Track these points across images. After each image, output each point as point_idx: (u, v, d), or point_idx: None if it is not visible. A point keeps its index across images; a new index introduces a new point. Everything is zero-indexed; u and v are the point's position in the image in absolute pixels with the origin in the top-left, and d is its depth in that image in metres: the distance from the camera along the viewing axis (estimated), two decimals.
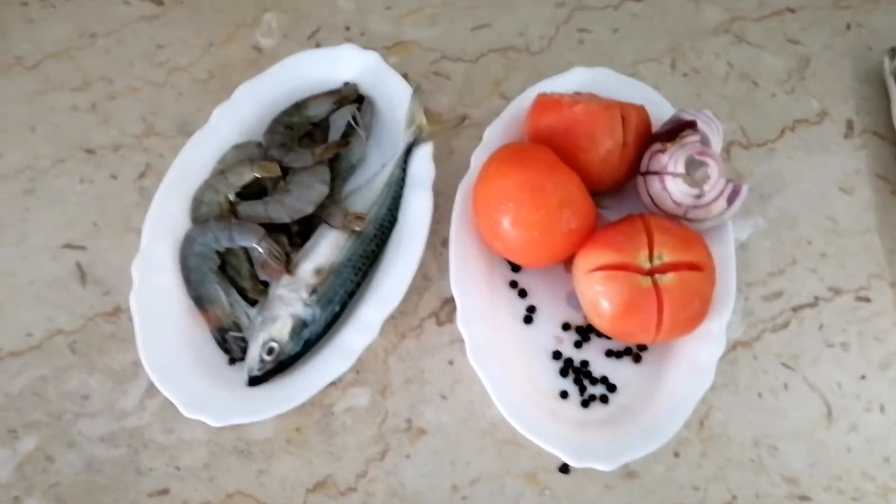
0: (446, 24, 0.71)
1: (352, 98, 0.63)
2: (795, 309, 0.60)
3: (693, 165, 0.55)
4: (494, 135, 0.61)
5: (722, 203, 0.54)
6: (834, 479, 0.55)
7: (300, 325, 0.54)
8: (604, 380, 0.56)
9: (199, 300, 0.55)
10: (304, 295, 0.55)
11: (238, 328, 0.55)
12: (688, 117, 0.56)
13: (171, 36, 0.69)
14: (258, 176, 0.58)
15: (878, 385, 0.57)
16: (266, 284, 0.57)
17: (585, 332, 0.57)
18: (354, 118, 0.62)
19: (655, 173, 0.56)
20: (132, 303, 0.53)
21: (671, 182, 0.55)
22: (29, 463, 0.54)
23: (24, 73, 0.66)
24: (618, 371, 0.56)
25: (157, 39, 0.69)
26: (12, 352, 0.56)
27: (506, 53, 0.70)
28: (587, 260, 0.53)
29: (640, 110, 0.58)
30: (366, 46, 0.67)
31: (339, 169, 0.61)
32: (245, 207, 0.57)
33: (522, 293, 0.59)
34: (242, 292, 0.56)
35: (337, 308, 0.55)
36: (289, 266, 0.56)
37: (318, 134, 0.62)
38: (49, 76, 0.66)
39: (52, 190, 0.62)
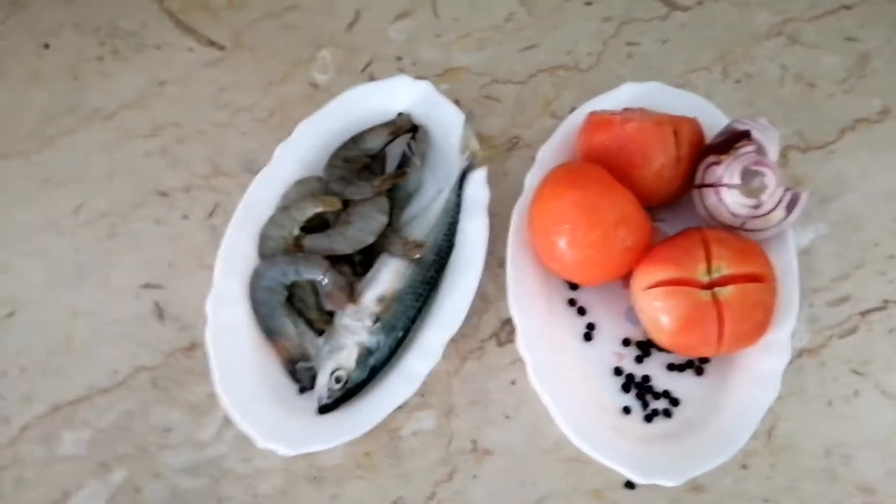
0: (495, 48, 0.72)
1: (406, 128, 0.65)
2: (864, 313, 0.59)
3: (749, 176, 0.55)
4: (547, 155, 0.62)
5: (781, 212, 0.54)
6: None
7: (366, 353, 0.56)
8: (666, 394, 0.56)
9: (269, 332, 0.58)
10: (369, 323, 0.57)
11: (307, 358, 0.57)
12: (742, 127, 0.56)
13: (233, 78, 0.73)
14: (320, 210, 0.60)
15: None
16: (331, 314, 0.59)
17: (646, 347, 0.58)
18: (410, 147, 0.64)
19: (711, 185, 0.56)
20: (207, 337, 0.56)
21: (727, 194, 0.54)
22: (119, 494, 0.57)
23: (101, 123, 0.71)
24: (680, 384, 0.57)
25: (219, 82, 0.72)
26: (101, 389, 0.60)
27: (555, 72, 0.71)
28: (645, 277, 0.54)
29: (693, 123, 0.58)
30: (417, 75, 0.69)
31: (396, 198, 0.63)
32: (309, 241, 0.60)
33: (581, 311, 0.59)
34: (309, 323, 0.58)
35: (400, 334, 0.57)
36: (353, 296, 0.58)
37: (375, 165, 0.65)
38: (123, 125, 0.71)
39: (131, 233, 0.66)
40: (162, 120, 0.70)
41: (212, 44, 0.74)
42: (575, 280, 0.59)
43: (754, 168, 0.54)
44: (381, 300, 0.58)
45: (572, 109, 0.65)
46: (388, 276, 0.59)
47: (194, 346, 0.61)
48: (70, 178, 0.68)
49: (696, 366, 0.57)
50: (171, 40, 0.75)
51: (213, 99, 0.72)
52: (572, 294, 0.60)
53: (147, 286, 0.63)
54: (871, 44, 0.69)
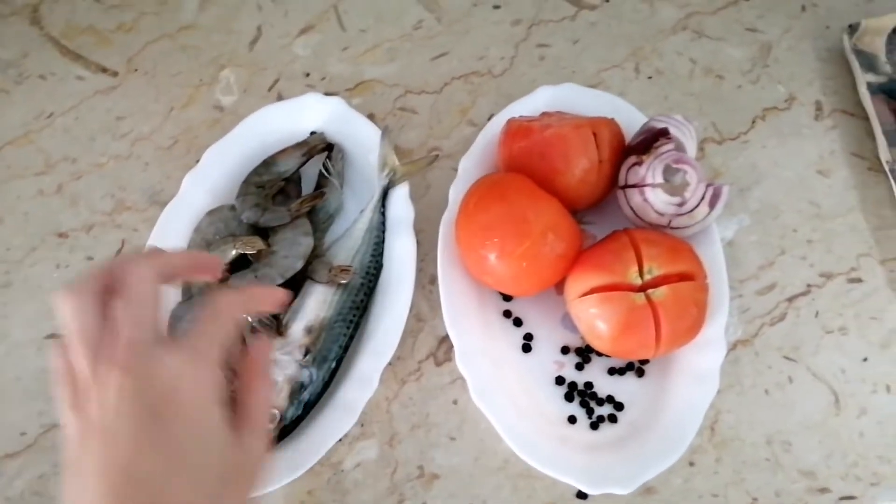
0: (405, 58, 0.70)
1: (320, 147, 0.62)
2: (790, 299, 0.60)
3: (671, 173, 0.55)
4: (469, 165, 0.61)
5: (704, 208, 0.54)
6: (850, 466, 0.54)
7: (298, 388, 0.53)
8: (610, 399, 0.56)
9: None
10: (299, 356, 0.54)
11: (236, 401, 0.54)
12: (659, 125, 0.56)
13: (130, 106, 0.68)
14: (241, 252, 0.57)
15: (882, 365, 0.57)
16: None
17: (585, 353, 0.57)
18: (326, 167, 0.62)
19: (634, 186, 0.55)
20: None
21: (651, 193, 0.54)
22: None
23: None
24: (623, 388, 0.56)
25: (115, 111, 0.68)
26: (8, 453, 0.55)
27: (469, 79, 0.69)
28: (578, 284, 0.53)
29: (611, 124, 0.58)
30: (328, 91, 0.67)
31: (317, 221, 0.60)
32: (236, 280, 0.57)
33: (517, 322, 0.58)
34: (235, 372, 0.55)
35: (333, 364, 0.55)
36: (279, 329, 0.55)
37: (291, 188, 0.62)
38: (10, 163, 0.65)
39: (27, 280, 0.61)
40: (54, 155, 0.66)
41: (103, 70, 0.70)
42: (508, 292, 0.58)
43: (676, 166, 0.54)
44: (309, 331, 0.55)
45: (490, 116, 0.64)
46: (315, 305, 0.56)
47: None
48: None
49: (637, 367, 0.56)
50: (57, 69, 0.70)
51: (109, 129, 0.67)
52: (507, 305, 0.59)
53: (53, 336, 0.58)
54: (772, 33, 0.70)
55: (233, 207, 0.59)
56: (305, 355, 0.54)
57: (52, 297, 0.35)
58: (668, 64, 0.69)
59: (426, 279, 0.60)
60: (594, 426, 0.55)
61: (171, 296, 0.56)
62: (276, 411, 0.52)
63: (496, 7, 0.73)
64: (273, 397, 0.39)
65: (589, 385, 0.56)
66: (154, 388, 0.33)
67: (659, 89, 0.68)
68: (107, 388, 0.32)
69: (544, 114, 0.61)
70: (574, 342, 0.58)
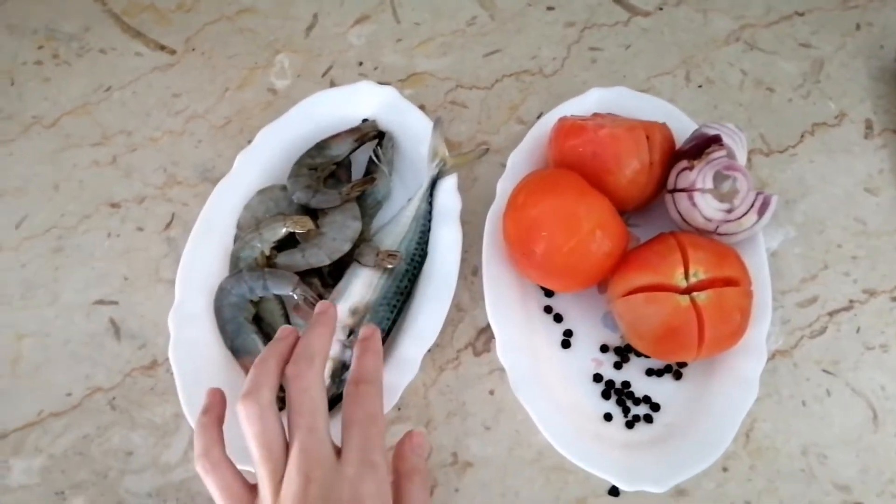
0: (458, 53, 0.71)
1: (372, 135, 0.63)
2: (831, 314, 0.60)
3: (721, 180, 0.55)
4: (518, 161, 0.61)
5: (753, 216, 0.54)
6: (887, 483, 0.54)
7: (340, 368, 0.54)
8: (646, 399, 0.56)
9: (237, 351, 0.55)
10: (342, 336, 0.55)
11: None
12: (712, 132, 0.56)
13: (186, 84, 0.69)
14: (292, 230, 0.57)
15: None
16: None
17: (624, 353, 0.57)
18: (376, 154, 0.63)
19: (683, 190, 0.56)
20: (171, 355, 0.53)
21: (700, 198, 0.55)
22: None
23: (44, 132, 0.67)
24: (660, 389, 0.56)
25: (172, 88, 0.69)
26: (53, 412, 0.56)
27: (520, 77, 0.70)
28: (624, 283, 0.53)
29: (663, 128, 0.58)
30: (380, 81, 0.68)
31: (365, 206, 0.61)
32: (283, 258, 0.57)
33: (558, 318, 0.59)
34: None
35: None
36: None
37: (341, 173, 0.63)
38: (68, 133, 0.67)
39: (80, 247, 0.62)
40: (111, 128, 0.67)
41: (162, 48, 0.71)
42: (553, 287, 0.58)
43: (726, 172, 0.54)
44: (354, 312, 0.56)
45: (539, 114, 0.65)
46: (361, 288, 0.57)
47: (155, 365, 0.58)
48: (9, 189, 0.64)
49: (675, 370, 0.57)
50: (117, 44, 0.71)
51: (165, 105, 0.68)
52: (548, 301, 0.59)
53: (100, 303, 0.60)
54: (825, 49, 0.70)
55: (284, 187, 0.60)
56: (349, 336, 0.55)
57: None
58: (719, 74, 0.70)
59: (468, 270, 0.61)
60: (630, 425, 0.55)
61: (214, 268, 0.57)
62: None
63: (550, 8, 0.73)
64: (426, 496, 0.42)
65: (626, 384, 0.56)
66: (336, 496, 0.37)
67: (709, 98, 0.69)
68: (292, 494, 0.37)
69: (595, 115, 0.61)
70: (613, 341, 0.58)
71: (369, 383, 0.42)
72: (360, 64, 0.71)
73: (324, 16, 0.73)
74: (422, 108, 0.68)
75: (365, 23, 0.73)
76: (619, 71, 0.70)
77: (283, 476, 0.38)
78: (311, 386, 0.40)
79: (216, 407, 0.43)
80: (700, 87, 0.69)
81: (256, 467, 0.39)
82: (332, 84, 0.69)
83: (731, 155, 0.57)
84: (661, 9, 0.73)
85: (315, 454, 0.38)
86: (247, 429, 0.39)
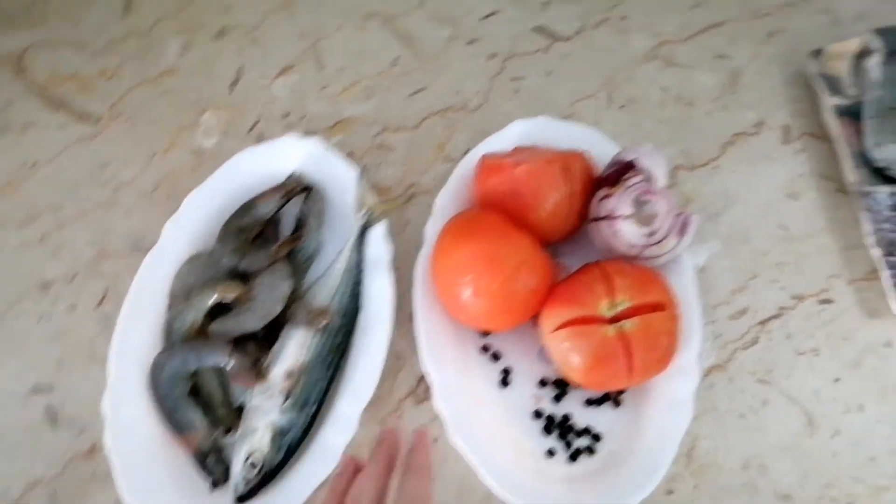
0: (382, 95, 0.72)
1: (299, 189, 0.64)
2: (762, 323, 0.61)
3: (641, 205, 0.56)
4: (445, 201, 0.62)
5: (674, 238, 0.55)
6: (825, 487, 0.55)
7: (279, 433, 0.54)
8: (587, 430, 0.57)
9: (176, 427, 0.55)
10: (280, 401, 0.55)
11: (218, 449, 0.55)
12: (628, 157, 0.58)
13: (113, 152, 0.70)
14: (221, 297, 0.58)
15: (854, 385, 0.58)
16: (240, 410, 0.57)
17: (562, 386, 0.58)
18: (304, 209, 0.63)
19: (605, 218, 0.56)
20: (107, 440, 0.53)
21: (622, 225, 0.55)
22: None
23: None
24: (600, 419, 0.57)
25: (98, 158, 0.69)
26: None
27: (445, 115, 0.71)
28: (551, 319, 0.54)
29: (581, 157, 0.59)
30: (307, 130, 0.69)
31: (296, 263, 0.61)
32: (216, 325, 0.58)
33: (495, 356, 0.59)
34: (217, 421, 0.56)
35: (314, 409, 0.56)
36: (260, 374, 0.56)
37: (270, 232, 0.63)
38: None
39: (11, 333, 0.62)
40: (37, 205, 0.67)
41: (85, 117, 0.71)
42: (484, 328, 0.59)
43: (644, 198, 0.55)
44: (289, 375, 0.56)
45: (466, 151, 0.65)
46: (295, 349, 0.57)
47: (95, 450, 0.57)
48: None
49: (613, 398, 0.57)
50: (40, 118, 0.71)
51: (92, 176, 0.69)
52: (484, 340, 0.60)
53: (35, 390, 0.59)
54: (740, 59, 0.72)
55: (213, 253, 0.61)
56: (286, 400, 0.55)
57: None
58: (641, 92, 0.71)
59: (405, 317, 0.61)
60: (573, 458, 0.56)
61: (148, 342, 0.58)
62: (259, 456, 0.53)
63: (471, 42, 0.74)
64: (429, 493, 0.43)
65: (567, 417, 0.57)
66: None
67: (632, 118, 0.70)
68: None
69: (517, 148, 0.62)
70: (551, 374, 0.59)
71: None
72: (287, 115, 0.71)
73: (247, 70, 0.74)
74: (350, 154, 0.68)
75: (289, 73, 0.73)
76: (542, 98, 0.71)
77: None
78: None
79: (349, 473, 0.45)
80: (622, 107, 0.70)
81: None
82: (260, 138, 0.70)
83: (649, 177, 0.58)
84: (580, 32, 0.74)
85: None
86: None
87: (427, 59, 0.73)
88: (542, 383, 0.58)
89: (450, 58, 0.73)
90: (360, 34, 0.75)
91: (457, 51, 0.73)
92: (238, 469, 0.53)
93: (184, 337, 0.57)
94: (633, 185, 0.56)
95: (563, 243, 0.62)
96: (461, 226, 0.56)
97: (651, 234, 0.56)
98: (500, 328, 0.58)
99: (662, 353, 0.53)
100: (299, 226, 0.63)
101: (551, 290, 0.56)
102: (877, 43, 0.68)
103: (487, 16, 0.75)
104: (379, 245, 0.60)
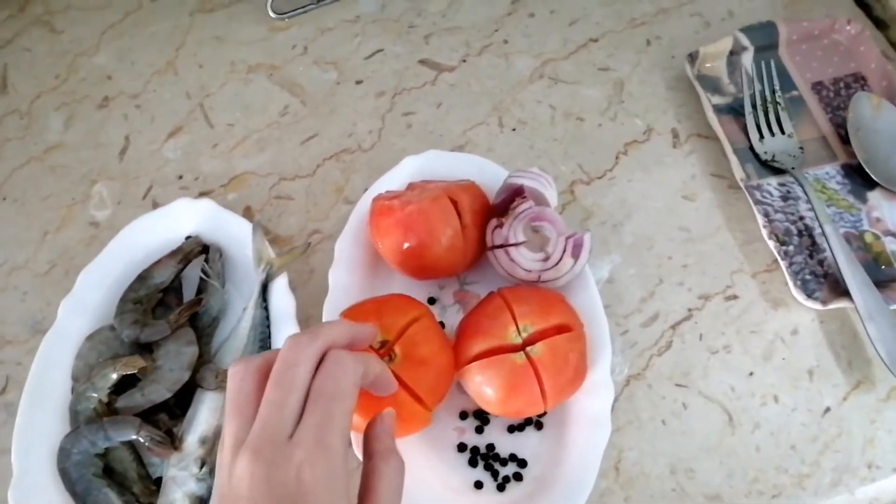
0: (275, 146, 0.71)
1: (197, 251, 0.62)
2: (674, 326, 0.62)
3: (532, 230, 0.56)
4: (345, 246, 0.61)
5: (569, 259, 0.56)
6: (751, 482, 0.56)
7: (198, 503, 0.53)
8: (513, 457, 0.56)
9: None
10: (195, 470, 0.53)
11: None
12: (516, 182, 0.58)
13: (2, 235, 0.67)
14: (123, 373, 0.56)
15: (767, 376, 0.59)
16: (158, 483, 0.55)
17: (483, 416, 0.58)
18: (204, 270, 0.62)
19: (501, 247, 0.57)
20: None
21: (516, 253, 0.56)
22: None
23: None
24: (524, 444, 0.57)
25: None
26: None
27: (340, 158, 0.70)
28: (464, 352, 0.54)
29: (471, 188, 0.59)
30: (202, 190, 0.68)
31: (201, 326, 0.60)
32: (123, 401, 0.56)
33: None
34: (134, 497, 0.54)
35: None
36: (174, 443, 0.55)
37: (171, 298, 0.61)
38: None
39: None
40: None
41: None
42: None
43: (534, 224, 0.56)
44: (203, 441, 0.54)
45: (365, 191, 0.65)
46: (207, 414, 0.55)
47: None
48: None
49: (535, 421, 0.57)
50: None
51: None
52: None
53: None
54: (622, 70, 0.73)
55: (112, 328, 0.59)
56: (202, 468, 0.54)
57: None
58: (530, 113, 0.72)
59: None
60: (501, 488, 0.55)
61: (53, 428, 0.56)
62: None
63: (359, 82, 0.74)
64: (401, 476, 0.39)
65: (491, 447, 0.57)
66: (281, 481, 0.34)
67: (524, 139, 0.70)
68: (240, 468, 0.35)
69: (410, 185, 0.62)
70: (471, 406, 0.58)
71: (345, 357, 0.38)
72: (180, 177, 0.70)
73: (135, 136, 0.72)
74: (248, 209, 0.67)
75: (178, 135, 0.72)
76: (434, 131, 0.71)
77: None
78: (301, 362, 0.37)
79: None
80: (514, 130, 0.71)
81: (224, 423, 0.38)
82: (155, 205, 0.68)
83: (539, 200, 0.58)
84: (464, 60, 0.75)
85: (270, 429, 0.35)
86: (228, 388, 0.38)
87: (316, 105, 0.73)
88: (463, 416, 0.58)
89: (339, 101, 0.73)
90: (246, 88, 0.74)
91: (345, 93, 0.73)
92: None
93: (89, 418, 0.55)
94: (522, 212, 0.57)
95: (470, 272, 0.63)
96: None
97: (546, 259, 0.56)
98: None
99: (573, 374, 0.53)
100: (201, 288, 0.62)
101: (459, 326, 0.55)
102: (745, 41, 0.70)
103: (371, 55, 0.75)
104: (282, 298, 0.59)
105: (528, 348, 0.52)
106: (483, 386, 0.52)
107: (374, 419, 0.41)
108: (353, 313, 0.53)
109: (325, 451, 0.35)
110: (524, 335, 0.52)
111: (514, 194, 0.58)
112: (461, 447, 0.57)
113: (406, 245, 0.56)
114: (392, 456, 0.40)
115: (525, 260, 0.56)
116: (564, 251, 0.55)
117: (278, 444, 0.35)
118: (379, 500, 0.38)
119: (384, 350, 0.50)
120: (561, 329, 0.53)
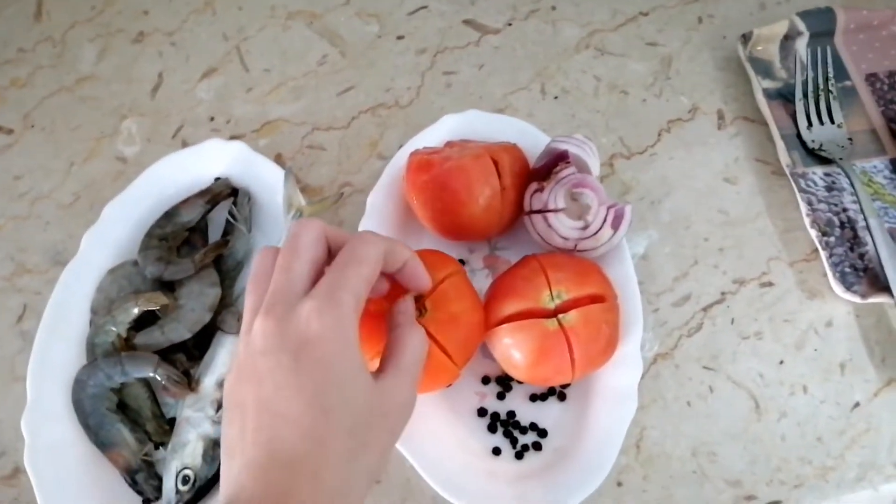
0: (311, 95, 0.70)
1: (225, 193, 0.61)
2: (706, 309, 0.60)
3: (574, 197, 0.55)
4: (378, 200, 0.60)
5: (608, 230, 0.54)
6: (774, 471, 0.55)
7: (212, 446, 0.52)
8: (533, 426, 0.55)
9: (103, 445, 0.52)
10: (211, 412, 0.52)
11: (149, 465, 0.52)
12: (559, 147, 0.56)
13: (28, 163, 0.66)
14: (145, 309, 0.55)
15: (798, 366, 0.58)
16: (171, 423, 0.54)
17: (506, 382, 0.57)
18: (232, 213, 0.61)
19: (539, 212, 0.55)
20: (27, 463, 0.50)
21: (555, 219, 0.54)
22: None
23: None
24: (545, 414, 0.56)
25: (13, 170, 0.66)
26: None
27: (376, 112, 0.69)
28: (494, 314, 0.52)
29: (512, 150, 0.58)
30: (233, 134, 0.66)
31: (225, 269, 0.59)
32: (142, 338, 0.55)
33: None
34: (147, 435, 0.53)
35: None
36: (191, 384, 0.54)
37: (196, 239, 0.60)
38: None
39: None
40: None
41: None
42: None
43: (576, 190, 0.54)
44: (220, 384, 0.53)
45: (399, 148, 0.64)
46: (226, 357, 0.54)
47: (17, 473, 0.54)
48: None
49: (559, 392, 0.56)
50: None
51: (6, 189, 0.65)
52: None
53: None
54: (671, 46, 0.71)
55: (136, 263, 0.58)
56: (218, 410, 0.53)
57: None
58: (574, 83, 0.70)
59: None
60: (519, 456, 0.54)
61: (69, 359, 0.55)
62: (191, 472, 0.51)
63: (400, 37, 0.72)
64: (423, 347, 0.41)
65: (511, 414, 0.56)
66: (292, 332, 0.35)
67: (566, 108, 0.69)
68: (255, 329, 0.36)
69: (448, 143, 0.60)
70: (494, 371, 0.57)
71: (368, 233, 0.40)
72: (212, 119, 0.69)
73: (169, 74, 0.71)
74: (279, 156, 0.66)
75: (213, 76, 0.71)
76: (475, 93, 0.70)
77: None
78: (308, 231, 0.38)
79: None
80: (556, 98, 0.69)
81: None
82: (184, 144, 0.67)
83: (582, 168, 0.57)
84: (510, 24, 0.73)
85: (280, 289, 0.37)
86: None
87: (355, 57, 0.71)
88: (486, 381, 0.57)
89: (378, 54, 0.71)
90: (284, 34, 0.72)
91: (385, 47, 0.72)
92: (170, 485, 0.50)
93: (107, 352, 0.54)
94: (565, 177, 0.55)
95: (502, 237, 0.61)
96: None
97: (585, 227, 0.55)
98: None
99: (604, 346, 0.52)
100: (227, 231, 0.61)
101: (491, 287, 0.54)
102: (801, 25, 0.68)
103: (415, 10, 0.74)
104: None
105: (560, 315, 0.50)
106: (512, 349, 0.51)
107: (398, 300, 0.44)
108: None
109: (334, 304, 0.36)
110: (557, 301, 0.51)
111: (557, 159, 0.56)
112: (481, 412, 0.56)
113: (443, 201, 0.54)
114: (415, 326, 0.42)
115: (563, 227, 0.54)
116: (605, 221, 0.54)
117: (289, 301, 0.36)
118: (402, 363, 0.40)
119: (417, 304, 0.49)
120: (595, 299, 0.52)
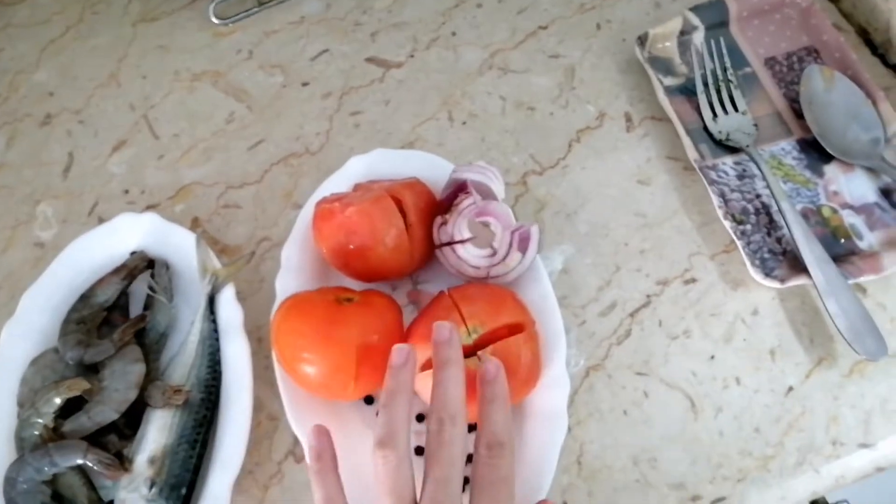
0: (222, 154, 0.70)
1: (142, 266, 0.61)
2: (632, 314, 0.60)
3: (479, 226, 0.55)
4: (291, 253, 0.60)
5: (516, 254, 0.54)
6: (716, 468, 0.55)
7: None
8: (470, 458, 0.55)
9: None
10: (145, 491, 0.52)
11: None
12: (460, 177, 0.57)
13: None
14: (67, 397, 0.54)
15: (728, 359, 0.58)
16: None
17: None
18: (150, 286, 0.60)
19: (448, 244, 0.55)
20: None
21: (463, 250, 0.54)
22: None
23: None
24: None
25: None
26: None
27: (288, 162, 0.69)
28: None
29: (415, 185, 0.58)
30: (149, 203, 0.66)
31: (149, 343, 0.59)
32: (69, 425, 0.54)
33: (368, 400, 0.57)
34: None
35: (184, 490, 0.53)
36: (124, 464, 0.53)
37: (116, 317, 0.60)
38: None
39: None
40: None
41: None
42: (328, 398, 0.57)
43: (478, 220, 0.54)
44: (152, 462, 0.53)
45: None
46: (156, 433, 0.54)
47: None
48: None
49: None
50: None
51: None
52: None
53: None
54: (573, 56, 0.72)
55: (57, 350, 0.57)
56: (151, 488, 0.52)
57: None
58: (480, 106, 0.70)
59: (273, 376, 0.59)
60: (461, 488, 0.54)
61: (6, 456, 0.54)
62: None
63: (305, 84, 0.73)
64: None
65: None
66: None
67: (475, 133, 0.69)
68: None
69: (356, 186, 0.60)
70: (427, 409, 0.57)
71: (501, 445, 0.42)
72: (126, 192, 0.68)
73: (79, 152, 0.71)
74: (195, 220, 0.66)
75: (122, 148, 0.71)
76: (383, 129, 0.70)
77: None
78: (454, 441, 0.41)
79: (328, 449, 0.44)
80: (464, 123, 0.70)
81: None
82: (101, 221, 0.67)
83: (486, 194, 0.57)
84: (412, 56, 0.74)
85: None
86: (383, 478, 0.40)
87: (262, 110, 0.72)
88: (420, 418, 0.57)
89: (285, 104, 0.72)
90: (191, 96, 0.73)
91: (291, 96, 0.72)
92: None
93: (36, 445, 0.54)
94: (465, 207, 0.55)
95: (423, 270, 0.61)
96: (292, 307, 0.54)
97: (493, 255, 0.55)
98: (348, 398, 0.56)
99: (526, 375, 0.52)
100: (149, 303, 0.61)
101: (408, 330, 0.54)
102: (695, 20, 0.69)
103: (317, 55, 0.74)
104: (229, 309, 0.58)
105: (479, 352, 0.50)
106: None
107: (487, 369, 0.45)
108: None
109: None
110: (474, 336, 0.51)
111: (458, 190, 0.56)
112: (419, 451, 0.56)
113: (351, 246, 0.54)
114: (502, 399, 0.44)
115: (472, 257, 0.54)
116: (511, 245, 0.54)
117: None
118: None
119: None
120: (512, 329, 0.51)
